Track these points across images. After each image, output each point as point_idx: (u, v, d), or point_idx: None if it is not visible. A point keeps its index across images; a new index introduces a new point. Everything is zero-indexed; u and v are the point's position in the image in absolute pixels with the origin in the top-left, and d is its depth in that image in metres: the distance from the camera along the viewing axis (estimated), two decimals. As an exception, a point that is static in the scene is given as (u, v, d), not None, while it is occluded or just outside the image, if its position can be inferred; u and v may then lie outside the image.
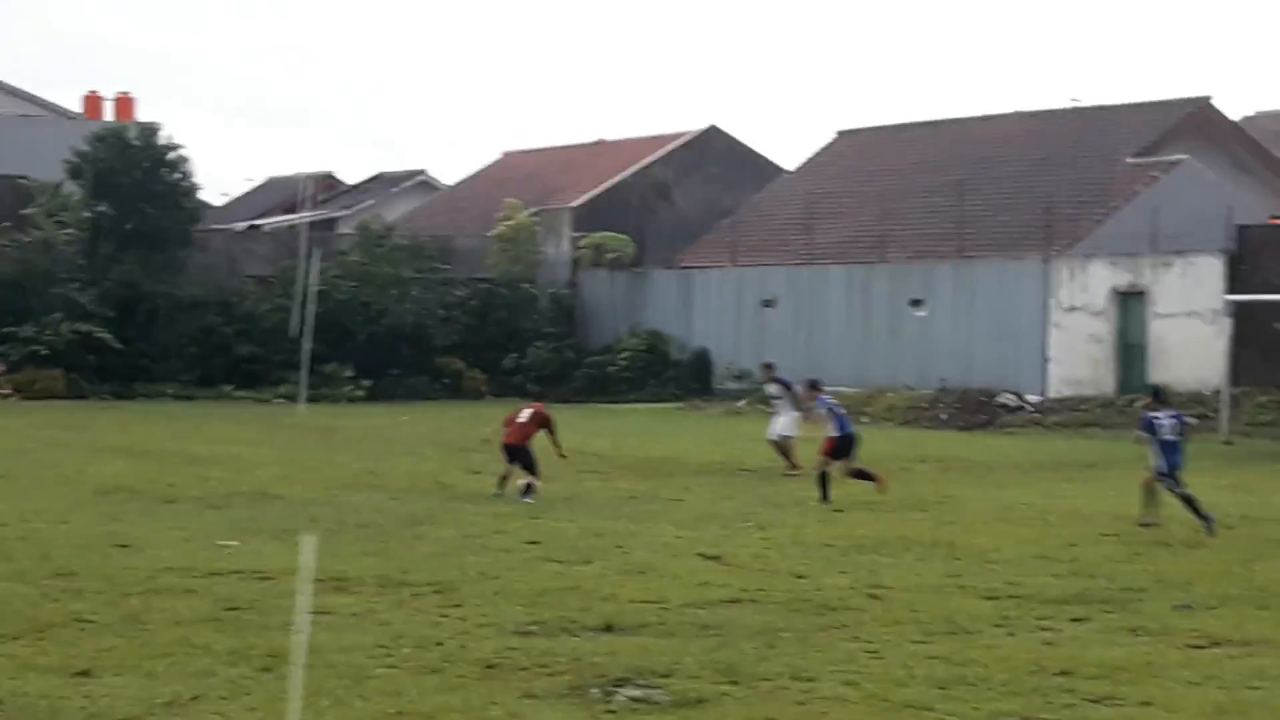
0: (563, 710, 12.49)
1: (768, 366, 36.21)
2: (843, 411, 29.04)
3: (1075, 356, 49.04)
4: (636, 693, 13.14)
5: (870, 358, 53.49)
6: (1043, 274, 49.79)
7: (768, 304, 57.69)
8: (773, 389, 34.23)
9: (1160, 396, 25.17)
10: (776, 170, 68.55)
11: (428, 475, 30.75)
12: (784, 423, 32.69)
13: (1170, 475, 23.78)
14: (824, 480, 27.24)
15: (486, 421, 30.97)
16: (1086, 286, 48.95)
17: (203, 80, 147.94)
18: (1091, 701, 12.98)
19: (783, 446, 32.49)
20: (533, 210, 65.74)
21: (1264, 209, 50.08)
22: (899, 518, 25.23)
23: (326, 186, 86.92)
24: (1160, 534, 23.41)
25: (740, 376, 55.61)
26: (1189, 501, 23.63)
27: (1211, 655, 14.90)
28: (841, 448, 27.83)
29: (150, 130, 58.50)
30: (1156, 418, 24.21)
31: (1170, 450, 24.04)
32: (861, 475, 27.84)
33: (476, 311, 61.85)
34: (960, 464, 35.26)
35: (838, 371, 54.23)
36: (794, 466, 31.60)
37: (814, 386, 30.06)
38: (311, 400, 55.22)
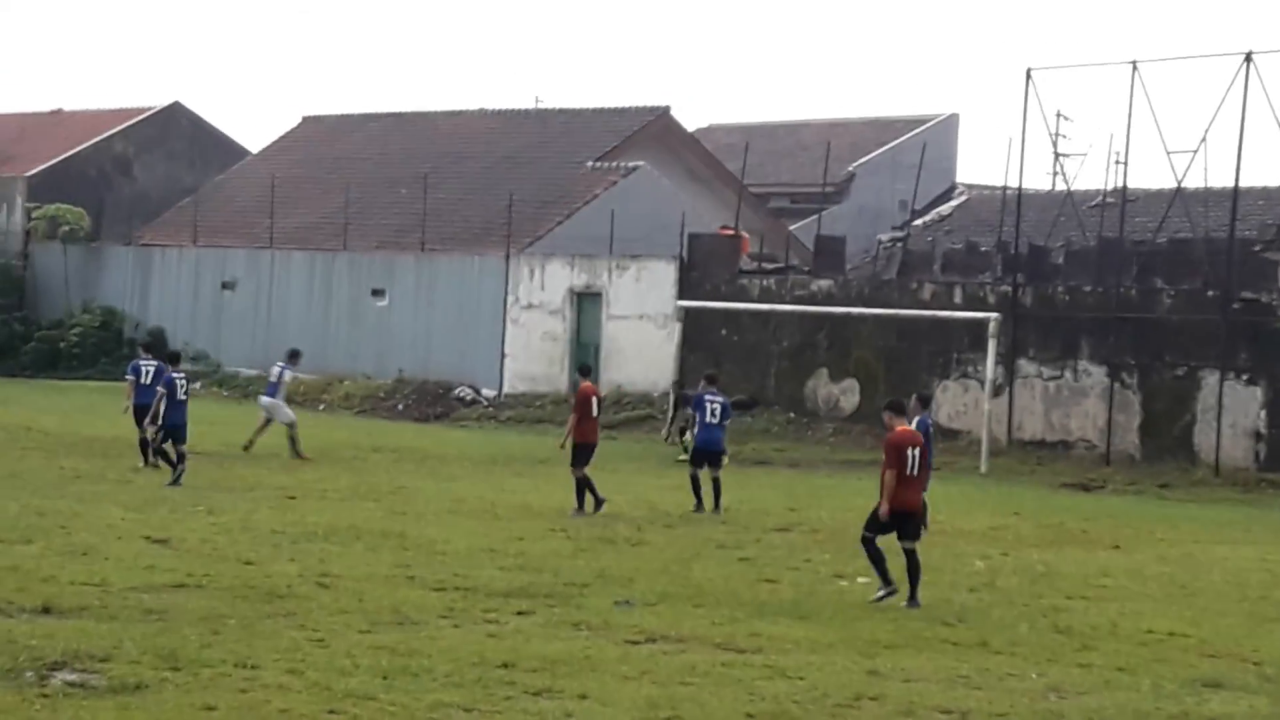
0: (-5, 694, 12.14)
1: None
2: None
3: (531, 353, 49.83)
4: (73, 677, 12.85)
5: (330, 345, 53.26)
6: (503, 271, 50.43)
7: (227, 286, 56.97)
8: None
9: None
10: (242, 151, 67.72)
11: None
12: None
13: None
14: None
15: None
16: (544, 285, 49.78)
17: None
18: (531, 694, 13.23)
19: None
20: (-17, 177, 63.55)
21: (714, 218, 51.72)
22: (351, 507, 25.26)
23: None
24: (605, 531, 24.02)
25: (197, 357, 54.72)
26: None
27: (648, 650, 15.35)
28: None
29: None
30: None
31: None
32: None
33: (-84, 278, 59.56)
34: (414, 455, 35.46)
35: (296, 357, 53.86)
36: None
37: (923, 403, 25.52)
38: None
